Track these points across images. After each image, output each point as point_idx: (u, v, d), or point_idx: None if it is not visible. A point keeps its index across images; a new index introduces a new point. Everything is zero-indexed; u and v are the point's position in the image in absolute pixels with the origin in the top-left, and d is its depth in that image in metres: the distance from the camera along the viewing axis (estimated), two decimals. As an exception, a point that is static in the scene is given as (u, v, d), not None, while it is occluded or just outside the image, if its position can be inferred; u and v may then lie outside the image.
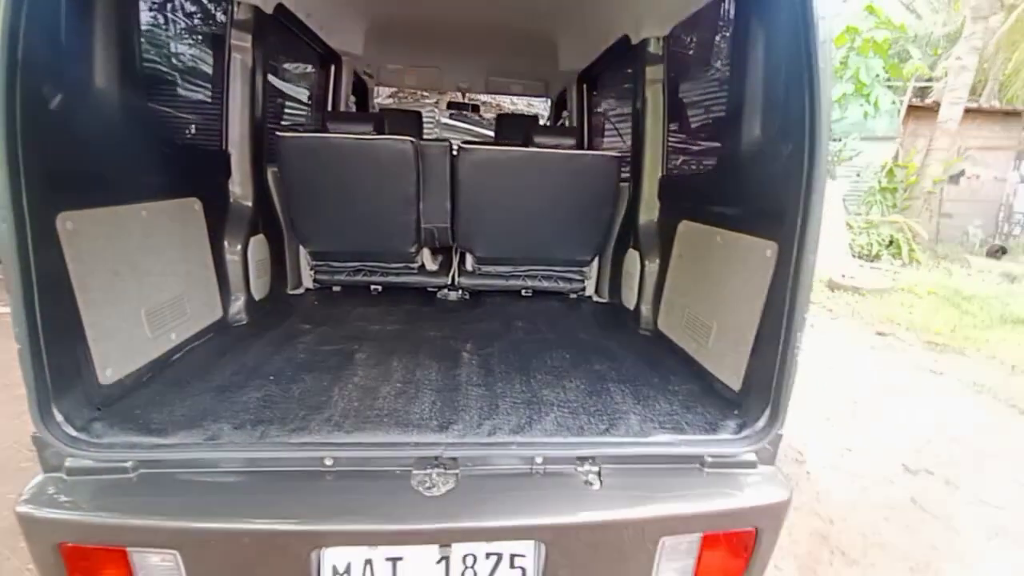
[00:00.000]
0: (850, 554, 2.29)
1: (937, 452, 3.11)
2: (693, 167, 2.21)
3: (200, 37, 2.09)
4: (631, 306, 2.41)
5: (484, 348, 1.96)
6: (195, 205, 1.94)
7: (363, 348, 1.90)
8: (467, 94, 4.72)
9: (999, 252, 10.07)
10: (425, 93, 10.03)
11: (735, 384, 1.54)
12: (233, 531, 1.15)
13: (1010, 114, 11.30)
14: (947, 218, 11.03)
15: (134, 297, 1.56)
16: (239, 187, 2.22)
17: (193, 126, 2.06)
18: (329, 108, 3.46)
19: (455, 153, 2.42)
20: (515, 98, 7.13)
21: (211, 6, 2.12)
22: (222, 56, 2.10)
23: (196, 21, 2.11)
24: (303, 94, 3.21)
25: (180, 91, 1.98)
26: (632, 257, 2.42)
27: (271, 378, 1.61)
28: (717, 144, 1.97)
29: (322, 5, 2.66)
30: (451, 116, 8.73)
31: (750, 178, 1.62)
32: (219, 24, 2.12)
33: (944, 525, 2.49)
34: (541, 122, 5.03)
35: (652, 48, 2.27)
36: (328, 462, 1.25)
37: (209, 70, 2.08)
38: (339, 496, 1.22)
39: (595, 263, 2.78)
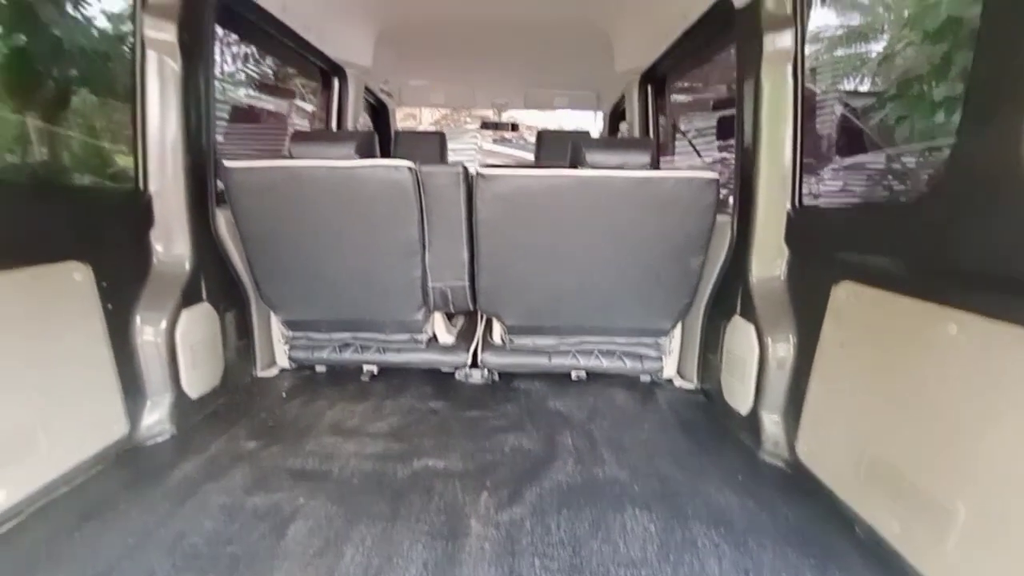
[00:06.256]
0: None
1: None
2: (866, 187, 1.34)
3: (90, 23, 1.47)
4: (742, 408, 1.55)
5: (510, 505, 1.18)
6: (75, 273, 1.28)
7: (311, 503, 1.18)
8: (503, 111, 4.05)
9: None
10: (467, 119, 9.55)
11: None
12: None
13: None
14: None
15: None
16: (167, 242, 1.57)
17: (71, 150, 1.43)
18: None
19: (472, 181, 1.68)
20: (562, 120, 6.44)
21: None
22: (134, 56, 1.47)
23: None
24: (296, 118, 2.60)
25: (43, 97, 1.36)
26: (741, 331, 1.57)
27: None
28: (943, 141, 1.11)
29: None
30: (494, 141, 8.04)
31: None
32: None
33: None
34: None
35: (772, 6, 1.45)
36: None
37: (107, 73, 1.46)
38: None
39: (676, 331, 1.94)
